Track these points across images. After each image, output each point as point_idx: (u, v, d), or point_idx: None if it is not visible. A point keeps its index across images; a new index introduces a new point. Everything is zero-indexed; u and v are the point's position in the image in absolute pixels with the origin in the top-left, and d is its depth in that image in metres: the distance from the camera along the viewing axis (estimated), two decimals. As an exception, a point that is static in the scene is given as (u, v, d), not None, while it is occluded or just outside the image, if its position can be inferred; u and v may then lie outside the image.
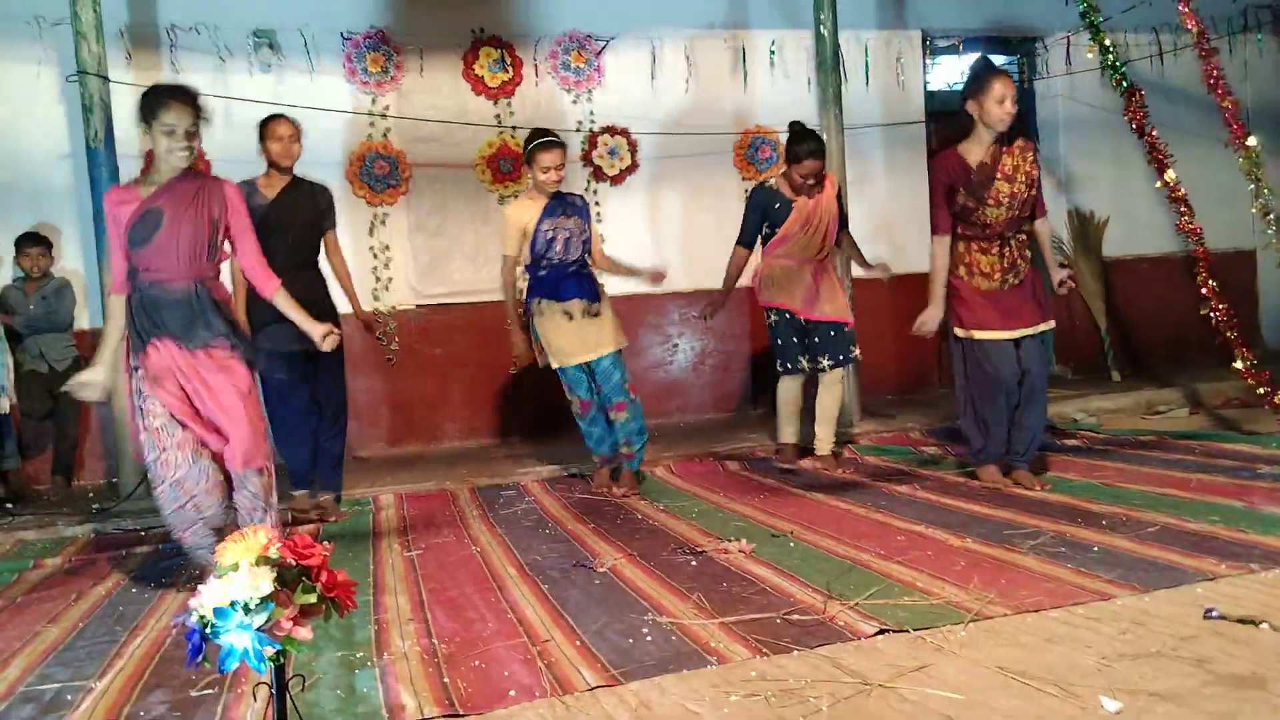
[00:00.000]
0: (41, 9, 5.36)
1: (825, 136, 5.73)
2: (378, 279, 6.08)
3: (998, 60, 7.39)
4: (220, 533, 3.29)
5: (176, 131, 3.24)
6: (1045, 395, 4.17)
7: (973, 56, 7.28)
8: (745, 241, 4.89)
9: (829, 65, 5.72)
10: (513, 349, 4.64)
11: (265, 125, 4.34)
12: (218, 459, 3.35)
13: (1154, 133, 5.43)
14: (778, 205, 4.76)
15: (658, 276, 4.73)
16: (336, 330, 3.57)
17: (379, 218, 6.09)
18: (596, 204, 6.43)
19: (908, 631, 2.53)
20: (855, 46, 6.67)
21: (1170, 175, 5.32)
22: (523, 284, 4.73)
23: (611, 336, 4.53)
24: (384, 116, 6.05)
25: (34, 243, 5.31)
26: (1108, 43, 5.66)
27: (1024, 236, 4.11)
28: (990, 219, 3.98)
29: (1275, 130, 7.37)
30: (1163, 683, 2.12)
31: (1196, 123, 6.77)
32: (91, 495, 5.10)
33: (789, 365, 4.88)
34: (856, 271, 5.26)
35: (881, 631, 2.54)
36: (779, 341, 4.89)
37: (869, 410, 5.95)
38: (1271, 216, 5.08)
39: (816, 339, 4.81)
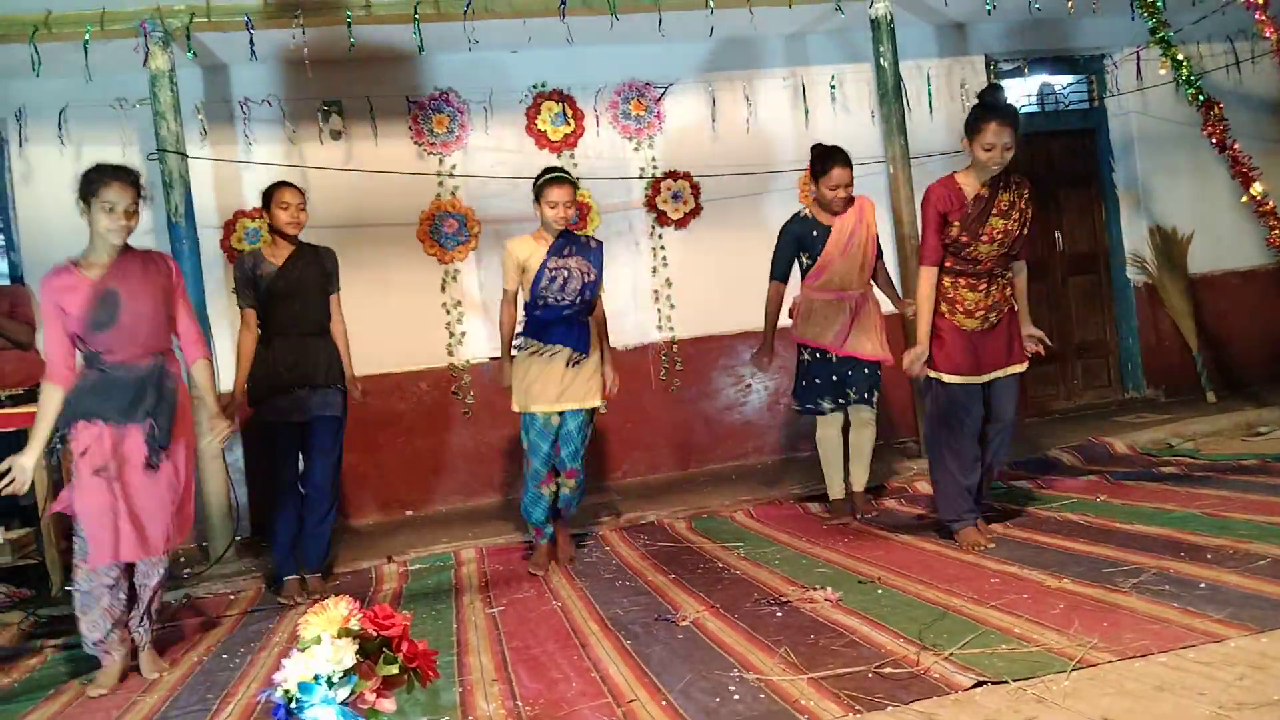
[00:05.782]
0: (123, 91, 5.59)
1: (891, 168, 5.68)
2: (451, 334, 6.16)
3: (1062, 81, 7.28)
4: (115, 626, 3.35)
5: (116, 209, 3.24)
6: (1010, 436, 4.03)
7: (1039, 79, 7.22)
8: (780, 275, 4.69)
9: (891, 96, 5.67)
10: (500, 380, 4.45)
11: (271, 192, 4.27)
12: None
13: (1236, 146, 5.26)
14: (815, 233, 4.59)
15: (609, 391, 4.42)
16: (228, 429, 3.60)
17: (450, 274, 6.18)
18: (662, 248, 6.45)
19: (1007, 683, 2.42)
20: (917, 75, 6.62)
21: (1257, 189, 5.15)
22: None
23: (584, 392, 4.27)
24: (451, 175, 6.16)
25: None
26: (1180, 57, 5.52)
27: (1010, 275, 3.95)
28: (982, 255, 3.82)
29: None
30: (1288, 734, 1.99)
31: (1280, 131, 6.55)
32: (183, 559, 5.17)
33: (811, 405, 4.71)
34: (886, 306, 4.91)
35: (979, 683, 2.43)
36: (806, 382, 4.71)
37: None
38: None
39: (849, 372, 4.62)
